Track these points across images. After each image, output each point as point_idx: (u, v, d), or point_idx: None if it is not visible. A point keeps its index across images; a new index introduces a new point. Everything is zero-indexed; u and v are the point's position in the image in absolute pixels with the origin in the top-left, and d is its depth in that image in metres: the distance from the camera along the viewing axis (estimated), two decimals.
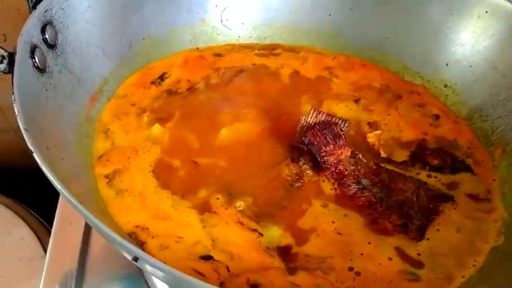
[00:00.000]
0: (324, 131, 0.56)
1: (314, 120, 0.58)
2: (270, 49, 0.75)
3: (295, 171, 0.57)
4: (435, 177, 0.58)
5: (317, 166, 0.57)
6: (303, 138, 0.56)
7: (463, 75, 0.68)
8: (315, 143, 0.56)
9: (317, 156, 0.56)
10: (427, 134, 0.63)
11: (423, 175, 0.58)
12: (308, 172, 0.57)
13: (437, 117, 0.66)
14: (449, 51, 0.69)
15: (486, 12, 0.66)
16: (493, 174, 0.59)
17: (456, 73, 0.68)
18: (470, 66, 0.67)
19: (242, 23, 0.75)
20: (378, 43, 0.73)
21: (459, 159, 0.60)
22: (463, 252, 0.51)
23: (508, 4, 0.64)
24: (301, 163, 0.57)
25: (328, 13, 0.75)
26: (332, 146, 0.56)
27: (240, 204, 0.52)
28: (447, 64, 0.69)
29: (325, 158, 0.56)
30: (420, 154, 0.60)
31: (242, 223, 0.51)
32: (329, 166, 0.56)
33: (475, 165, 0.60)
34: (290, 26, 0.76)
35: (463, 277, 0.49)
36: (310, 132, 0.56)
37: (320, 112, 0.58)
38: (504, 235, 0.53)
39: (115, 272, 0.60)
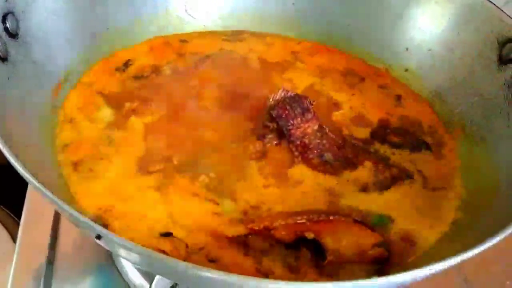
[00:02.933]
0: (293, 104, 0.57)
1: (283, 99, 0.59)
2: (237, 35, 0.75)
3: (259, 148, 0.58)
4: (400, 154, 0.60)
5: (282, 144, 0.58)
6: (271, 111, 0.57)
7: (423, 59, 0.70)
8: (283, 116, 0.57)
9: (283, 129, 0.57)
10: (391, 114, 0.65)
11: (388, 152, 0.60)
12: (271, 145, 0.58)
13: (399, 97, 0.68)
14: (409, 36, 0.71)
15: None
16: (453, 154, 0.61)
17: (415, 58, 0.70)
18: (429, 50, 0.69)
19: (207, 12, 0.76)
20: (341, 30, 0.75)
21: (420, 138, 0.62)
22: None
23: None
24: (266, 141, 0.58)
25: (291, 1, 0.76)
26: (299, 119, 0.57)
27: (203, 178, 0.54)
28: (407, 49, 0.71)
29: (292, 131, 0.57)
30: (381, 131, 0.63)
31: (200, 195, 0.52)
32: (293, 139, 0.57)
33: (437, 145, 0.62)
34: (255, 14, 0.77)
35: None
36: (279, 104, 0.57)
37: (288, 91, 0.60)
38: (461, 211, 0.55)
39: (86, 262, 0.60)
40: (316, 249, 0.48)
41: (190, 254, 0.47)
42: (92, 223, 0.36)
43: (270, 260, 0.48)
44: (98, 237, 0.36)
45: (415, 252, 0.50)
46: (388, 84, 0.70)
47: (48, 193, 0.37)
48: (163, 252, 0.46)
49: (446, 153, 0.61)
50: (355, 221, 0.50)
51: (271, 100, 0.60)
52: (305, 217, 0.50)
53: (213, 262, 0.47)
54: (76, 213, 0.36)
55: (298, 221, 0.50)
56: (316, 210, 0.51)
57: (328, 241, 0.48)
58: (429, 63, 0.69)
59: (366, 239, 0.49)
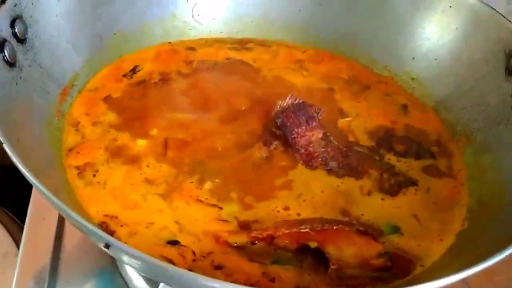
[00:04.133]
0: (298, 113, 0.57)
1: (290, 105, 0.59)
2: (243, 44, 0.76)
3: (265, 154, 0.58)
4: (405, 162, 0.60)
5: (288, 150, 0.58)
6: (276, 120, 0.57)
7: (429, 68, 0.70)
8: (288, 124, 0.57)
9: (288, 137, 0.57)
10: (396, 122, 0.65)
11: (393, 160, 0.60)
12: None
13: (405, 106, 0.68)
14: (415, 45, 0.71)
15: (450, 6, 0.68)
16: (459, 163, 0.61)
17: (422, 67, 0.70)
18: (436, 59, 0.69)
19: (214, 18, 0.76)
20: (347, 38, 0.75)
21: (424, 147, 0.62)
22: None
23: None
24: (272, 147, 0.58)
25: (298, 8, 0.76)
26: (304, 127, 0.57)
27: (208, 184, 0.54)
28: (413, 58, 0.71)
29: (296, 139, 0.57)
30: (386, 139, 0.63)
31: (204, 201, 0.53)
32: (298, 148, 0.57)
33: (442, 155, 0.62)
34: (261, 21, 0.77)
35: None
36: (284, 113, 0.57)
37: (296, 98, 0.60)
38: (468, 221, 0.54)
39: (89, 266, 0.60)
40: (320, 257, 0.48)
41: (196, 261, 0.47)
42: (101, 233, 0.35)
43: (275, 265, 0.48)
44: (107, 246, 0.36)
45: (422, 263, 0.50)
46: (394, 92, 0.70)
47: (56, 201, 0.37)
48: (170, 260, 0.46)
49: (452, 162, 0.61)
50: (358, 231, 0.50)
51: (278, 106, 0.60)
52: (308, 226, 0.50)
53: (219, 269, 0.46)
54: (84, 222, 0.36)
55: (301, 230, 0.49)
56: (320, 219, 0.51)
57: (331, 250, 0.48)
58: (436, 72, 0.69)
59: (369, 249, 0.49)
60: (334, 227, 0.50)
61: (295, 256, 0.49)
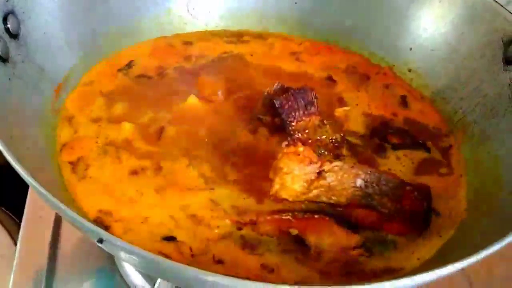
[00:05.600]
0: (297, 96, 0.57)
1: (277, 92, 0.59)
2: (239, 36, 0.75)
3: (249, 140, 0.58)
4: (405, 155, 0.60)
5: (274, 136, 0.58)
6: (274, 101, 0.56)
7: (426, 59, 0.69)
8: (286, 107, 0.56)
9: (284, 121, 0.56)
10: (396, 115, 0.65)
11: (393, 157, 0.59)
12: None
13: (403, 98, 0.68)
14: (413, 36, 0.71)
15: None
16: (457, 154, 0.61)
17: (419, 57, 0.70)
18: (432, 50, 0.69)
19: (209, 12, 0.76)
20: (344, 29, 0.75)
21: (420, 141, 0.62)
22: None
23: None
24: (258, 135, 0.59)
25: (294, 1, 0.76)
26: (301, 112, 0.57)
27: (198, 169, 0.55)
28: (410, 49, 0.71)
29: (292, 123, 0.56)
30: (381, 130, 0.62)
31: (194, 188, 0.53)
32: (292, 132, 0.56)
33: (441, 146, 0.62)
34: (256, 14, 0.76)
35: None
36: (283, 95, 0.57)
37: (283, 85, 0.59)
38: (466, 212, 0.54)
39: (87, 264, 0.60)
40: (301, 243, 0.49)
41: (195, 257, 0.47)
42: (94, 227, 0.35)
43: (273, 256, 0.48)
44: (100, 240, 0.36)
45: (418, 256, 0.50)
46: (393, 83, 0.70)
47: (50, 197, 0.37)
48: (167, 256, 0.45)
49: (450, 154, 0.61)
50: (337, 221, 0.50)
51: (265, 93, 0.60)
52: (290, 214, 0.50)
53: (220, 263, 0.46)
54: (78, 217, 0.36)
55: (283, 217, 0.50)
56: (301, 208, 0.52)
57: (311, 238, 0.49)
58: (433, 63, 0.69)
59: (348, 240, 0.49)
60: (315, 216, 0.50)
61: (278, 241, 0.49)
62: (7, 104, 0.50)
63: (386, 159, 0.59)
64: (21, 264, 0.60)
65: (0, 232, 0.79)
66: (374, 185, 0.51)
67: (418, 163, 0.59)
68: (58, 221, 0.63)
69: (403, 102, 0.67)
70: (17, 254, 0.61)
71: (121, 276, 0.59)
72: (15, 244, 0.77)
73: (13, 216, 0.83)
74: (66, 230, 0.63)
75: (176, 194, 0.52)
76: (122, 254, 0.38)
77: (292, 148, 0.51)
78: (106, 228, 0.48)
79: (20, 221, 0.80)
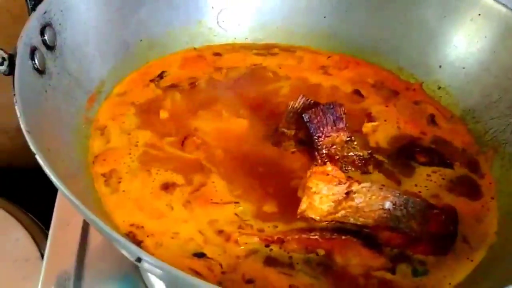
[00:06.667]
0: (326, 111, 0.57)
1: (302, 106, 0.59)
2: (268, 49, 0.76)
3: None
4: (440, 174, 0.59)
5: (299, 150, 0.59)
6: (303, 116, 0.57)
7: (456, 77, 0.69)
8: (314, 121, 0.56)
9: (313, 136, 0.57)
10: (425, 133, 0.64)
11: (423, 173, 0.59)
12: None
13: (432, 116, 0.67)
14: (443, 53, 0.70)
15: (479, 14, 0.67)
16: (488, 176, 0.60)
17: (449, 75, 0.69)
18: (463, 68, 0.68)
19: (238, 25, 0.76)
20: (373, 45, 0.74)
21: (447, 161, 0.61)
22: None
23: (500, 7, 0.65)
24: (282, 149, 0.59)
25: (323, 15, 0.76)
26: (330, 128, 0.57)
27: (224, 183, 0.55)
28: (440, 66, 0.70)
29: (320, 139, 0.57)
30: (409, 149, 0.62)
31: (219, 202, 0.53)
32: (321, 147, 0.57)
33: (470, 167, 0.61)
34: (285, 28, 0.77)
35: None
36: (312, 110, 0.57)
37: (308, 99, 0.59)
38: (497, 235, 0.54)
39: (112, 272, 0.61)
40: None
41: (226, 274, 0.47)
42: (134, 248, 0.35)
43: (300, 275, 0.48)
44: (138, 260, 0.36)
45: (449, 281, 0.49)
46: (421, 100, 0.69)
47: (90, 215, 0.37)
48: (197, 273, 0.46)
49: (480, 175, 0.60)
50: (364, 243, 0.50)
51: (290, 107, 0.60)
52: (317, 233, 0.50)
53: (250, 283, 0.47)
54: (116, 235, 0.36)
55: (311, 237, 0.50)
56: (329, 228, 0.51)
57: (338, 259, 0.49)
58: (463, 81, 0.68)
59: (374, 262, 0.49)
60: (342, 237, 0.50)
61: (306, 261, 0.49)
62: (44, 115, 0.51)
63: (413, 175, 0.59)
64: (48, 270, 0.60)
65: (25, 237, 0.81)
66: (402, 207, 0.51)
67: (448, 182, 0.59)
68: (85, 228, 0.64)
69: (432, 120, 0.66)
70: (45, 261, 0.61)
71: (145, 284, 0.60)
72: (40, 250, 0.78)
73: (37, 221, 0.84)
74: (93, 237, 0.63)
75: (203, 208, 0.53)
76: (157, 272, 0.38)
77: (321, 168, 0.51)
78: (139, 243, 0.48)
79: (44, 225, 0.82)
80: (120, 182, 0.54)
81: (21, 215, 0.83)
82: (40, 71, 0.52)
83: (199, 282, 0.35)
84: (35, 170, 0.42)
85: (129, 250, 0.37)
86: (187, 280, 0.34)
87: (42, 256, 0.67)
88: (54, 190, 0.65)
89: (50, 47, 0.55)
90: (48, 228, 0.65)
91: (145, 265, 0.37)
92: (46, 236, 0.66)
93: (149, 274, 0.59)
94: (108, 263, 0.61)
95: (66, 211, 0.66)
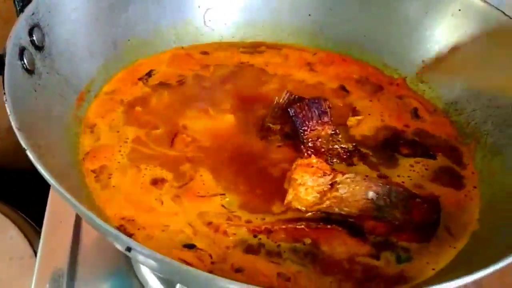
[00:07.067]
0: (312, 106, 0.58)
1: (287, 101, 0.60)
2: (255, 47, 0.77)
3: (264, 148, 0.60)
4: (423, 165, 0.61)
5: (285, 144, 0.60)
6: (289, 110, 0.58)
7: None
8: (300, 116, 0.58)
9: (298, 130, 0.58)
10: (409, 126, 0.66)
11: (407, 164, 0.60)
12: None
13: (416, 110, 0.68)
14: (425, 48, 0.72)
15: (460, 10, 0.69)
16: (470, 166, 0.61)
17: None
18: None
19: (225, 24, 0.77)
20: (357, 41, 0.76)
21: (431, 152, 0.62)
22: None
23: (479, 2, 0.67)
24: (268, 143, 0.60)
25: (307, 12, 0.77)
26: (315, 121, 0.58)
27: (211, 177, 0.56)
28: (423, 61, 0.72)
29: (306, 132, 0.58)
30: (393, 141, 0.63)
31: (205, 195, 0.54)
32: (305, 141, 0.58)
33: (454, 158, 0.62)
34: (271, 26, 0.78)
35: None
36: (298, 104, 0.58)
37: (293, 94, 0.61)
38: (479, 222, 0.55)
39: (106, 268, 0.61)
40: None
41: (215, 264, 0.48)
42: (125, 238, 0.36)
43: (290, 265, 0.49)
44: (128, 249, 0.37)
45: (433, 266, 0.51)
46: (405, 94, 0.71)
47: (83, 209, 0.38)
48: (188, 263, 0.47)
49: (463, 165, 0.62)
50: (349, 232, 0.52)
51: (275, 101, 0.61)
52: (304, 223, 0.51)
53: (239, 272, 0.48)
54: (107, 226, 0.37)
55: (297, 226, 0.51)
56: (315, 218, 0.53)
57: (324, 248, 0.50)
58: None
59: (359, 249, 0.51)
60: (328, 226, 0.52)
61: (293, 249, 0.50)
62: (34, 114, 0.52)
63: (397, 167, 0.60)
64: (42, 268, 0.61)
65: (18, 236, 0.81)
66: (385, 197, 0.52)
67: (431, 172, 0.60)
68: (78, 226, 0.65)
69: (415, 113, 0.68)
70: (38, 258, 0.62)
71: (138, 280, 0.60)
72: (33, 248, 0.79)
73: (30, 220, 0.85)
74: (86, 234, 0.64)
75: (192, 202, 0.54)
76: (149, 262, 0.39)
77: (306, 160, 0.53)
78: (130, 235, 0.49)
79: (37, 224, 0.82)
80: (110, 178, 0.55)
81: (14, 214, 0.84)
82: (30, 71, 0.53)
83: (190, 269, 0.36)
84: (26, 171, 0.43)
85: (120, 241, 0.38)
86: (176, 266, 0.35)
87: (36, 254, 0.68)
88: (45, 191, 0.66)
89: (39, 47, 0.56)
90: (40, 227, 0.66)
91: (135, 255, 0.38)
92: (39, 234, 0.66)
93: (142, 270, 0.60)
94: (101, 259, 0.62)
95: (59, 209, 0.67)
